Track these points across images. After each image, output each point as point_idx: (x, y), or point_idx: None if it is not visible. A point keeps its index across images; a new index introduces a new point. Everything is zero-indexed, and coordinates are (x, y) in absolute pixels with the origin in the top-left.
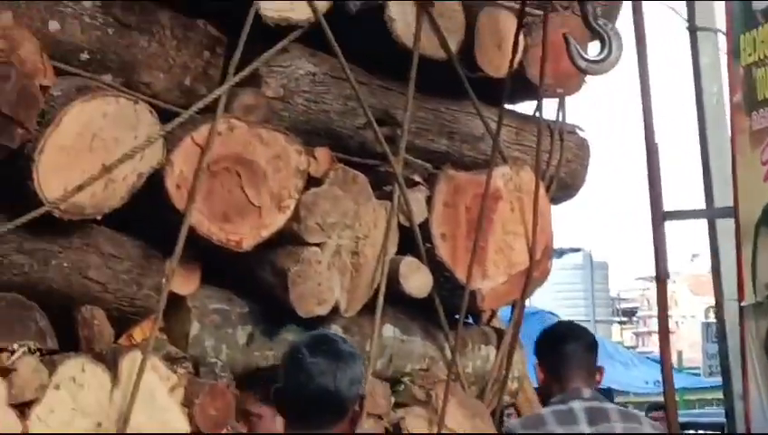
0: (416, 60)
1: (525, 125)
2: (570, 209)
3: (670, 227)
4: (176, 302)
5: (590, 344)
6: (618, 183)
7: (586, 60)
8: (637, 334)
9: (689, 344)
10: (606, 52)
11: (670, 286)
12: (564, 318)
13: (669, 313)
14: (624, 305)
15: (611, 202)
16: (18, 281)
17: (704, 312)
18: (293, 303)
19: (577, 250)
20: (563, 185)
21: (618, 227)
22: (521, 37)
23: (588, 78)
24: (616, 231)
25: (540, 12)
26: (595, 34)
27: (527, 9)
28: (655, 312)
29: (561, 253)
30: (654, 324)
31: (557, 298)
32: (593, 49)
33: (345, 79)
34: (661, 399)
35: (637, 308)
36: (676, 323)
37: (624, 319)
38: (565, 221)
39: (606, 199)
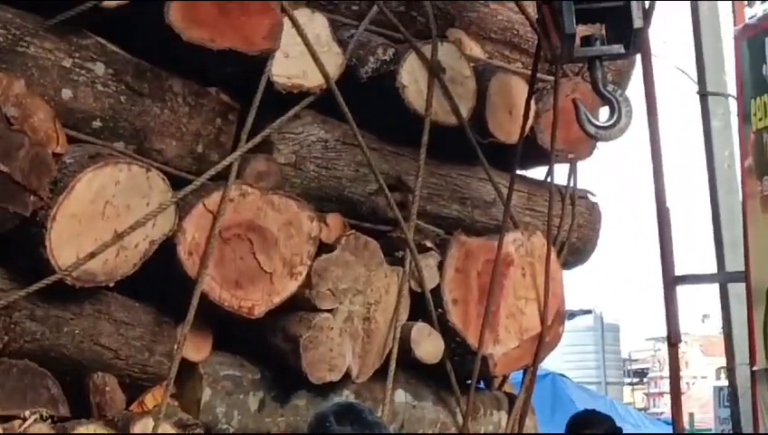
0: (427, 126)
1: (537, 190)
2: (581, 272)
3: (681, 289)
4: (187, 368)
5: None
6: (629, 245)
7: (595, 126)
8: (648, 395)
9: (700, 405)
10: (615, 117)
11: (681, 347)
12: (575, 380)
13: (680, 374)
14: (635, 366)
15: (622, 264)
16: (30, 348)
17: (715, 373)
18: (305, 369)
19: (588, 312)
20: (575, 250)
21: (629, 288)
22: (532, 103)
23: (599, 143)
24: (627, 292)
25: (550, 77)
26: (604, 100)
27: (538, 75)
28: (666, 372)
29: (572, 315)
30: (665, 385)
31: (568, 360)
32: (604, 114)
33: (357, 145)
34: None
35: (647, 369)
36: (687, 383)
37: (635, 380)
38: (576, 283)
39: (617, 261)
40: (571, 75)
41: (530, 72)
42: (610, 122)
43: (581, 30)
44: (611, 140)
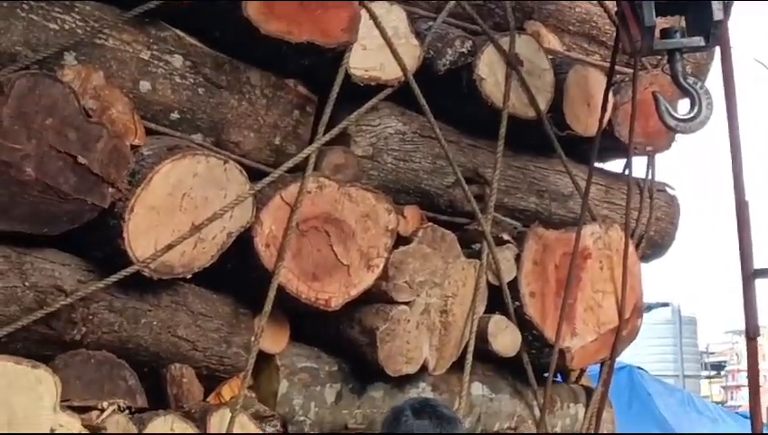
0: (505, 118)
1: (614, 183)
2: (658, 264)
3: (760, 282)
4: (264, 360)
5: None
6: (707, 238)
7: (676, 118)
8: (725, 388)
9: None
10: (696, 110)
11: (759, 340)
12: (652, 373)
13: (759, 367)
14: (712, 359)
15: (700, 257)
16: (108, 339)
17: None
18: (382, 361)
19: (665, 305)
20: (653, 243)
21: (706, 281)
22: (610, 95)
23: (678, 136)
24: (705, 285)
25: (629, 70)
26: (685, 93)
27: (616, 67)
28: (743, 365)
29: (649, 307)
30: (742, 378)
31: (645, 353)
32: (683, 107)
33: (434, 137)
34: None
35: (725, 362)
36: (765, 377)
37: (712, 373)
38: (654, 276)
39: (695, 254)
40: (650, 68)
41: (608, 65)
42: (691, 115)
43: (661, 22)
44: (692, 132)
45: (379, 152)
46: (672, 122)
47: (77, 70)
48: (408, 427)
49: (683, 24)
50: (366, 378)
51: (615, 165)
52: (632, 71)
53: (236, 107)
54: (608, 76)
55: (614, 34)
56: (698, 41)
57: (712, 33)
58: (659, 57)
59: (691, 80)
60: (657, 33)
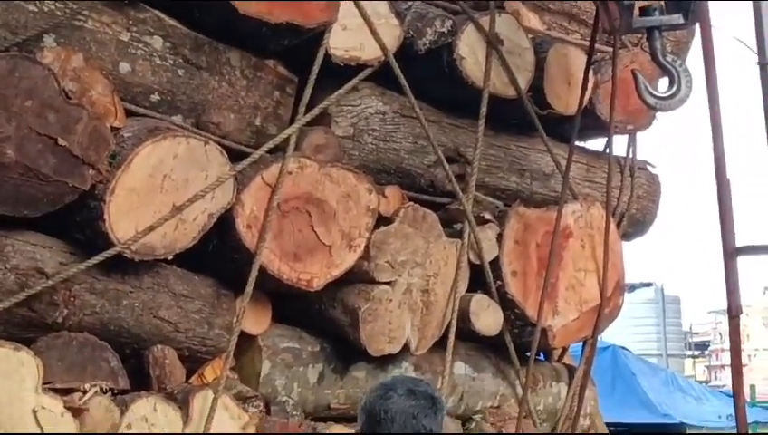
0: (485, 98)
1: (596, 162)
2: (641, 244)
3: (742, 260)
4: (247, 341)
5: None
6: (689, 217)
7: (655, 96)
8: (709, 368)
9: (762, 378)
10: (675, 88)
11: (742, 320)
12: (636, 353)
13: (742, 346)
14: (696, 339)
15: (683, 236)
16: (90, 321)
17: None
18: (364, 341)
19: (648, 285)
20: (634, 221)
21: (689, 260)
22: (590, 74)
23: (658, 114)
24: (688, 265)
25: (609, 48)
26: (664, 70)
27: (596, 46)
28: (727, 345)
29: (632, 288)
30: (726, 358)
31: (629, 333)
32: (663, 85)
33: (415, 117)
34: (724, 434)
35: (709, 341)
36: (749, 356)
37: (696, 353)
38: (637, 256)
39: (678, 233)
40: (630, 46)
41: (588, 44)
42: (670, 93)
43: (640, 0)
44: (671, 110)
45: (360, 132)
46: (651, 100)
47: (57, 52)
48: (389, 404)
49: (662, 2)
50: (348, 358)
51: (596, 143)
52: (612, 49)
53: (216, 88)
54: (588, 55)
55: (594, 13)
56: (677, 18)
57: (691, 10)
58: (639, 35)
59: (670, 57)
60: (636, 12)
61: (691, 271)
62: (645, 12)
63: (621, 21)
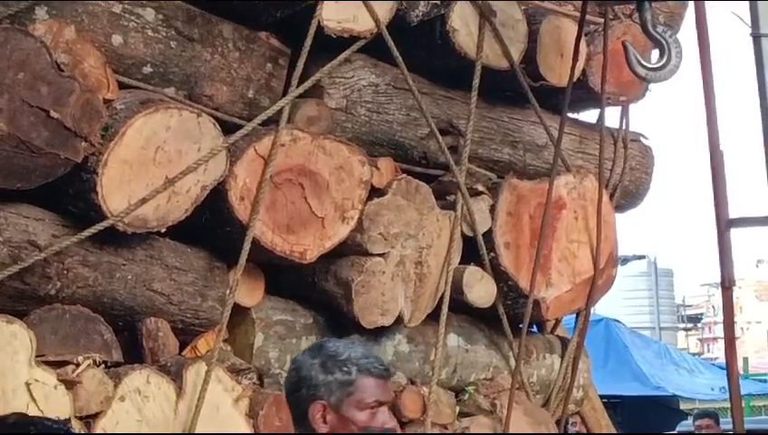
0: (478, 70)
1: (588, 133)
2: (634, 216)
3: (735, 233)
4: (240, 313)
5: None
6: (683, 189)
7: (645, 67)
8: (702, 340)
9: (755, 350)
10: (665, 59)
11: (735, 292)
12: (629, 325)
13: (735, 319)
14: (689, 312)
15: (676, 209)
16: (83, 293)
17: None
18: (357, 313)
19: (641, 257)
20: (627, 193)
21: (683, 233)
22: (583, 46)
23: (652, 86)
24: (681, 238)
25: (602, 20)
26: (654, 42)
27: (590, 17)
28: (720, 318)
29: (625, 260)
30: (719, 330)
31: (622, 305)
32: (656, 56)
33: (408, 89)
34: (719, 405)
35: (702, 314)
36: (742, 329)
37: (689, 325)
38: (630, 228)
39: (671, 206)
40: (623, 17)
41: (579, 15)
42: (660, 63)
43: None
44: (662, 81)
45: (353, 104)
46: (642, 71)
47: (49, 24)
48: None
49: None
50: (341, 330)
51: (589, 115)
52: (603, 20)
53: (209, 60)
54: (578, 26)
55: None
56: None
57: None
58: (632, 7)
59: (660, 29)
60: None
61: (684, 244)
62: None
63: None
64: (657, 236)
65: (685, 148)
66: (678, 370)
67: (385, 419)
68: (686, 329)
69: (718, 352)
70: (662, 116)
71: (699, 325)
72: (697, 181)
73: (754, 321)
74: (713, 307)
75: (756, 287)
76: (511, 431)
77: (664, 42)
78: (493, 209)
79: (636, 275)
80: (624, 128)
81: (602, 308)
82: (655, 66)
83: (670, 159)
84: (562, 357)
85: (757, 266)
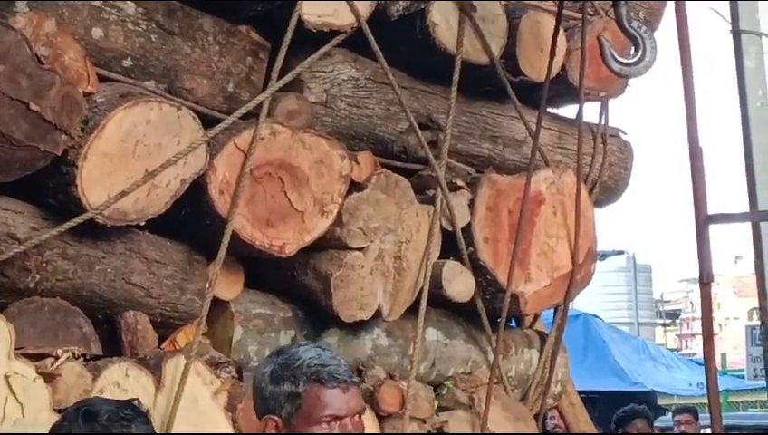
0: (458, 64)
1: (568, 129)
2: (613, 212)
3: (714, 229)
4: (219, 306)
5: None
6: (661, 185)
7: (620, 62)
8: (680, 336)
9: (733, 346)
10: (640, 54)
11: (714, 289)
12: (607, 321)
13: (713, 315)
14: (667, 307)
15: (655, 204)
16: (62, 286)
17: (747, 314)
18: (336, 307)
19: (620, 253)
20: (606, 188)
21: (661, 229)
22: (562, 41)
23: (631, 81)
24: (660, 233)
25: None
26: (629, 37)
27: (569, 13)
28: (698, 314)
29: (604, 255)
30: (697, 326)
31: (600, 301)
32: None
33: (387, 83)
34: (697, 401)
35: (680, 310)
36: (720, 325)
37: (667, 321)
38: (609, 224)
39: (650, 202)
40: (602, 13)
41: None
42: (635, 59)
43: None
44: (636, 76)
45: (333, 98)
46: (616, 66)
47: (29, 17)
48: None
49: None
50: (320, 324)
51: (569, 110)
52: (581, 15)
53: (189, 54)
54: (556, 21)
55: None
56: None
57: None
58: (611, 1)
59: (635, 24)
60: None
61: (663, 239)
62: None
63: None
64: (636, 231)
65: (664, 143)
66: (656, 365)
67: (347, 432)
68: (664, 325)
69: (696, 347)
70: (641, 112)
71: (677, 321)
72: (676, 177)
73: (733, 317)
74: (691, 303)
75: (735, 283)
76: (489, 426)
77: (639, 37)
78: (472, 204)
79: (614, 271)
80: (603, 123)
81: (581, 303)
82: (630, 62)
83: (649, 154)
84: (541, 352)
85: (736, 262)
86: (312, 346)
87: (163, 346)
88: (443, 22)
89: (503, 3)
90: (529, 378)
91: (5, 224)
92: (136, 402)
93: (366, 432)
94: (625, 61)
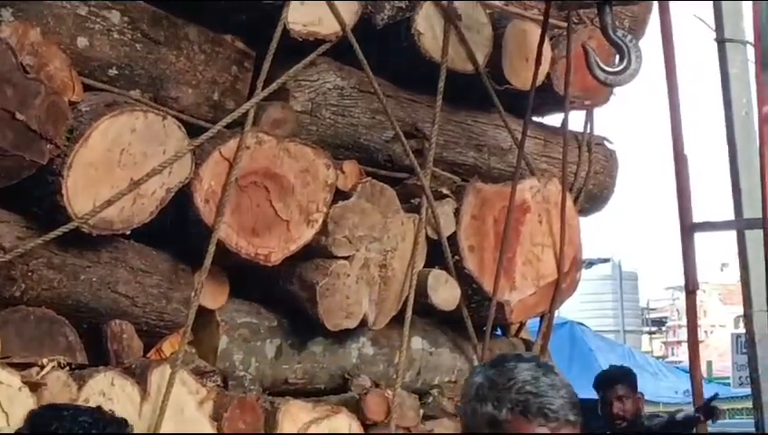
0: (443, 73)
1: (553, 137)
2: (599, 220)
3: (700, 237)
4: (204, 315)
5: None
6: (647, 193)
7: (605, 71)
8: (666, 344)
9: (719, 354)
10: (625, 63)
11: (699, 296)
12: (593, 328)
13: (698, 322)
14: (653, 315)
15: (641, 212)
16: (47, 295)
17: (733, 321)
18: (322, 316)
19: (606, 260)
20: (592, 196)
21: (647, 236)
22: (547, 49)
23: (616, 90)
24: (645, 241)
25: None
26: (614, 46)
27: (555, 21)
28: (684, 321)
29: (590, 263)
30: (683, 334)
31: (586, 308)
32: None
33: (372, 92)
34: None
35: (666, 318)
36: (706, 332)
37: (653, 329)
38: (594, 232)
39: (635, 209)
40: (588, 22)
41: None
42: (620, 67)
43: None
44: (622, 85)
45: (318, 107)
46: (601, 75)
47: (14, 26)
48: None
49: None
50: (306, 333)
51: (554, 119)
52: (566, 24)
53: (175, 63)
54: (542, 30)
55: None
56: None
57: None
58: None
59: (620, 33)
60: None
61: (648, 247)
62: None
63: None
64: (622, 239)
65: (649, 151)
66: (642, 373)
67: None
68: (650, 332)
69: (682, 355)
70: (627, 120)
71: (663, 329)
72: (661, 185)
73: (718, 324)
74: (677, 310)
75: (721, 291)
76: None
77: (624, 46)
78: (457, 213)
79: (600, 279)
80: (588, 132)
81: (567, 311)
82: (615, 70)
83: (634, 162)
84: None
85: (722, 270)
86: (535, 364)
87: (149, 355)
88: (428, 31)
89: (488, 12)
90: None
91: None
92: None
93: None
94: (610, 69)
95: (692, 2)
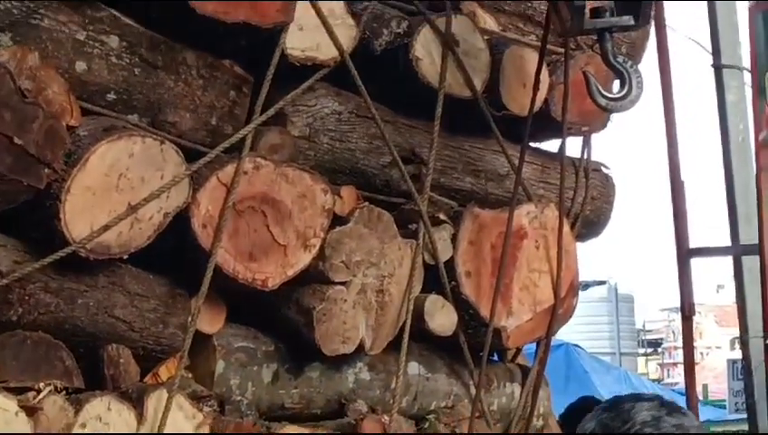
0: (441, 98)
1: (550, 163)
2: (595, 242)
3: (696, 260)
4: (201, 340)
5: None
6: (643, 216)
7: (606, 97)
8: (662, 366)
9: (714, 376)
10: (626, 89)
11: (695, 318)
12: (589, 350)
13: (694, 344)
14: (649, 337)
15: (637, 235)
16: (44, 320)
17: (729, 343)
18: (318, 341)
19: (602, 283)
20: (588, 222)
21: (643, 259)
22: (545, 75)
23: (613, 115)
24: (641, 263)
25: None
26: (615, 72)
27: (552, 47)
28: (680, 343)
29: (586, 286)
30: (679, 355)
31: (582, 330)
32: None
33: (370, 117)
34: None
35: (662, 339)
36: (701, 354)
37: (649, 350)
38: (591, 254)
39: (632, 232)
40: (586, 48)
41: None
42: (621, 94)
43: (591, 2)
44: (623, 111)
45: (316, 132)
46: (603, 101)
47: (12, 50)
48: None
49: (613, 3)
50: (303, 358)
51: (552, 145)
52: (564, 50)
53: (173, 87)
54: (539, 55)
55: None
56: (628, 20)
57: (642, 12)
58: (594, 37)
59: (621, 59)
60: (587, 13)
61: (644, 269)
62: (595, 13)
63: (572, 22)
64: (618, 261)
65: (646, 175)
66: None
67: None
68: (646, 354)
69: (678, 377)
70: (624, 145)
71: (659, 350)
72: (658, 208)
73: (714, 346)
74: (673, 332)
75: (717, 313)
76: None
77: (624, 72)
78: (454, 238)
79: (596, 301)
80: (586, 157)
81: (563, 333)
82: (616, 96)
83: (631, 186)
84: (523, 385)
85: (718, 292)
86: (657, 403)
87: (145, 380)
88: (426, 56)
89: (485, 37)
90: (511, 412)
91: None
92: None
93: None
94: (611, 96)
95: (689, 27)
